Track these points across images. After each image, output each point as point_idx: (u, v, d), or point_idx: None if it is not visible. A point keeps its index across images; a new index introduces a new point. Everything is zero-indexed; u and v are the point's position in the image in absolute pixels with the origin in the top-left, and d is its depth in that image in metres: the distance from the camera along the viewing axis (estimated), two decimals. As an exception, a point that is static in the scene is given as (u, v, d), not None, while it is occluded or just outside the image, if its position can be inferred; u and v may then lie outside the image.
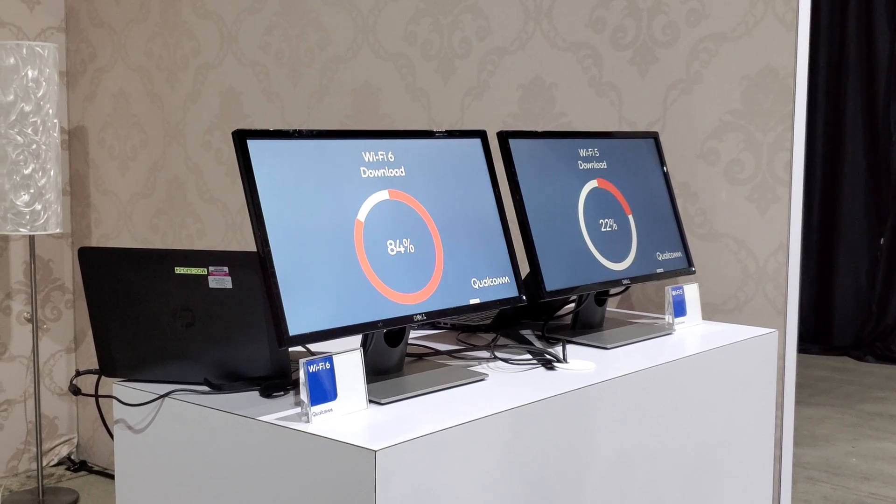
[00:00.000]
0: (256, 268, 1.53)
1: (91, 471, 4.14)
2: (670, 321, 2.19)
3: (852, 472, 4.27)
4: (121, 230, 3.93)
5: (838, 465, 4.36)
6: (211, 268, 1.58)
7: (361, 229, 1.63)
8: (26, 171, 3.50)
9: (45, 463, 4.07)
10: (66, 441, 4.20)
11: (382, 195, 1.69)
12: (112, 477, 4.04)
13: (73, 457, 4.21)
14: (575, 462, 1.71)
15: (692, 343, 2.10)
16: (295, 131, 1.60)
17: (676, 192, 2.46)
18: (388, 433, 1.42)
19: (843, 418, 5.11)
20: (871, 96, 6.41)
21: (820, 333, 6.52)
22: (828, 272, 6.58)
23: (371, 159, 1.69)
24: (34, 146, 3.51)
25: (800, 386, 2.42)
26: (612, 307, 2.48)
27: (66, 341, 4.17)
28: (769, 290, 2.37)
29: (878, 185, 6.45)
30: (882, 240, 6.47)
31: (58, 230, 3.63)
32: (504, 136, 1.97)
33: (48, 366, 4.10)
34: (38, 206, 3.53)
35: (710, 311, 2.41)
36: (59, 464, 4.18)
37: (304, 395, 1.47)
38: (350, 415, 1.51)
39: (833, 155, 6.51)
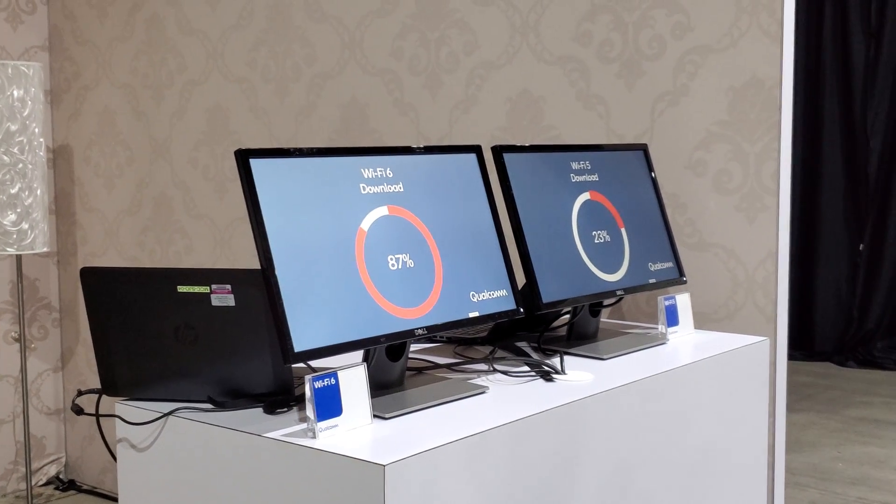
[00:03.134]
0: (259, 285, 1.54)
1: (80, 490, 4.12)
2: (663, 331, 2.21)
3: (839, 478, 4.31)
4: (107, 248, 3.92)
5: (825, 471, 4.40)
6: (214, 286, 1.59)
7: (363, 241, 1.64)
8: (13, 191, 3.49)
9: (33, 483, 4.04)
10: (55, 460, 4.18)
11: (382, 211, 1.70)
12: (101, 496, 4.03)
13: (61, 476, 4.19)
14: (576, 471, 1.73)
15: (686, 352, 2.12)
16: (296, 149, 1.61)
17: (665, 202, 2.49)
18: (396, 447, 1.44)
19: (828, 424, 5.15)
20: (848, 102, 6.48)
21: (802, 339, 6.57)
22: (808, 278, 6.63)
23: (370, 175, 1.71)
24: (20, 165, 3.50)
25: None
26: (603, 318, 2.50)
27: (54, 360, 4.15)
28: (759, 299, 2.40)
29: (856, 190, 6.51)
30: (861, 245, 6.53)
31: (45, 249, 3.63)
32: (499, 151, 1.99)
33: (35, 385, 4.08)
34: (25, 226, 3.52)
35: (701, 321, 2.44)
36: (47, 483, 4.16)
37: (310, 411, 1.48)
38: (355, 430, 1.53)
39: (811, 161, 6.57)
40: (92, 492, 4.08)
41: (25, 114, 3.51)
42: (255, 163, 1.54)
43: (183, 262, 3.64)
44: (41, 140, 3.59)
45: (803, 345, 6.57)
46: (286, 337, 1.50)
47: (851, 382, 6.03)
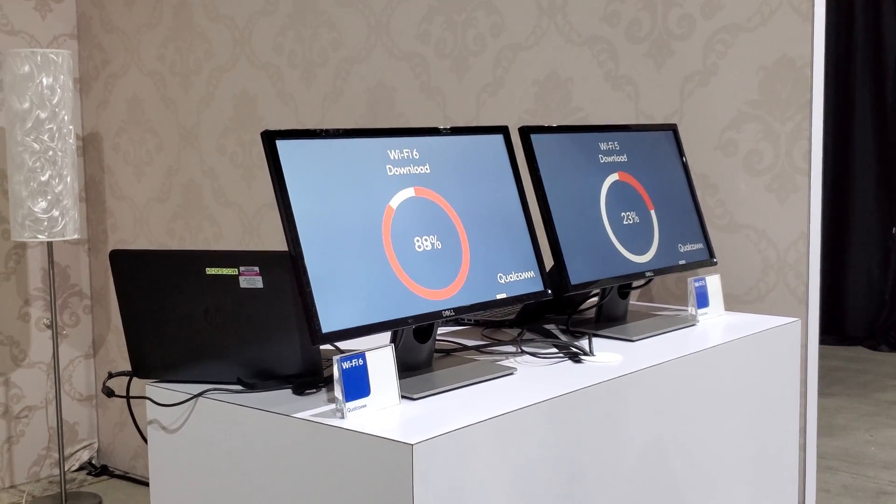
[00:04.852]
0: (287, 267, 1.54)
1: (112, 475, 4.15)
2: (693, 312, 2.19)
3: (871, 461, 4.27)
4: (137, 235, 3.94)
5: (857, 455, 4.36)
6: (242, 268, 1.59)
7: (391, 221, 1.64)
8: (43, 178, 3.52)
9: (66, 468, 4.09)
10: (87, 446, 4.22)
11: (409, 192, 1.70)
12: (133, 480, 4.07)
13: (93, 461, 4.23)
14: (606, 452, 1.72)
15: (716, 334, 2.10)
16: (322, 131, 1.61)
17: (695, 183, 2.47)
18: (424, 427, 1.43)
19: (860, 408, 5.11)
20: (880, 86, 6.40)
21: (833, 324, 6.52)
22: (839, 263, 6.57)
23: (397, 157, 1.70)
24: (50, 153, 3.53)
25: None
26: (632, 300, 2.48)
27: (85, 347, 4.19)
28: (790, 280, 2.38)
29: (888, 173, 6.44)
30: (893, 229, 6.46)
31: (76, 236, 3.65)
32: (526, 131, 1.98)
33: (67, 371, 4.12)
34: (56, 213, 3.55)
35: (732, 302, 2.42)
36: (80, 469, 4.20)
37: (338, 391, 1.48)
38: (384, 410, 1.53)
39: (842, 144, 6.50)
40: (124, 477, 4.12)
41: (55, 101, 3.53)
42: (281, 144, 1.54)
43: (212, 249, 3.65)
44: (70, 128, 3.61)
45: (835, 329, 6.51)
46: (314, 318, 1.50)
47: (883, 366, 5.98)
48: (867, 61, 6.42)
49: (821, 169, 2.38)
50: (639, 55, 2.57)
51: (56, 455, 4.03)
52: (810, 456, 2.40)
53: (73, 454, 4.17)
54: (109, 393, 1.72)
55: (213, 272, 1.60)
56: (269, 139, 1.54)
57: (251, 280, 1.59)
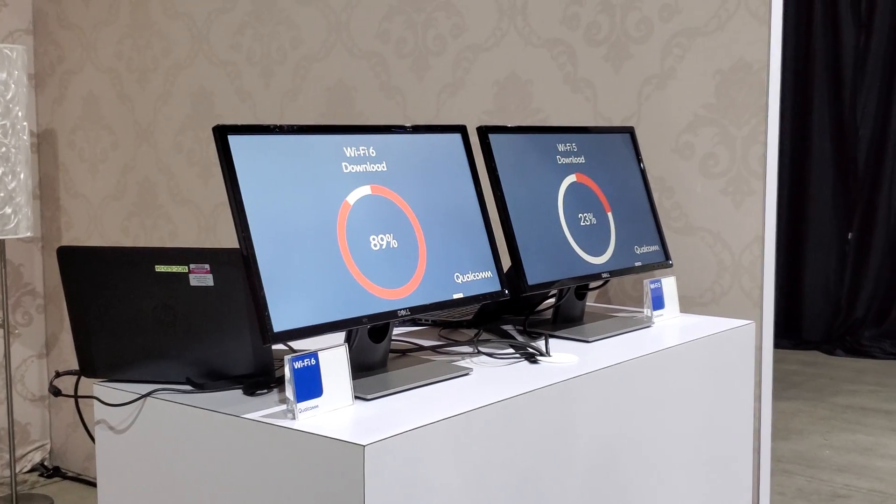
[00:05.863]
0: (239, 265, 1.52)
1: (65, 477, 4.09)
2: (649, 314, 2.20)
3: (826, 465, 4.31)
4: (91, 233, 3.89)
5: (812, 458, 4.40)
6: (192, 265, 1.57)
7: (346, 218, 1.62)
8: (-5, 175, 3.46)
9: (17, 470, 4.02)
10: (40, 447, 4.15)
11: (364, 190, 1.68)
12: (86, 482, 4.01)
13: (46, 463, 4.16)
14: (560, 453, 1.72)
15: (671, 335, 2.11)
16: (276, 126, 1.59)
17: (652, 186, 2.47)
18: (376, 428, 1.42)
19: (816, 412, 5.15)
20: (838, 91, 6.46)
21: (790, 328, 6.57)
22: (797, 267, 6.63)
23: (353, 154, 1.69)
24: (3, 150, 3.47)
25: (772, 380, 2.45)
26: (590, 301, 2.48)
27: (38, 346, 4.12)
28: (745, 283, 2.39)
29: (845, 178, 6.50)
30: (850, 234, 6.52)
31: (28, 234, 3.59)
32: (484, 131, 1.97)
33: (20, 371, 4.05)
34: (9, 210, 3.49)
35: (687, 304, 2.42)
36: (32, 470, 4.13)
37: (289, 392, 1.46)
38: (336, 411, 1.51)
39: (800, 149, 6.56)
40: (77, 479, 4.06)
41: (8, 97, 3.47)
42: (233, 140, 1.52)
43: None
44: (24, 124, 3.55)
45: (791, 333, 6.57)
46: (265, 317, 1.47)
47: (839, 371, 6.03)
48: (826, 67, 6.48)
49: (776, 173, 2.39)
50: (597, 58, 2.58)
51: (7, 456, 3.96)
52: (764, 459, 2.41)
53: (24, 455, 4.10)
54: (56, 392, 1.69)
55: (162, 269, 1.58)
56: (221, 134, 1.51)
57: (201, 278, 1.57)
